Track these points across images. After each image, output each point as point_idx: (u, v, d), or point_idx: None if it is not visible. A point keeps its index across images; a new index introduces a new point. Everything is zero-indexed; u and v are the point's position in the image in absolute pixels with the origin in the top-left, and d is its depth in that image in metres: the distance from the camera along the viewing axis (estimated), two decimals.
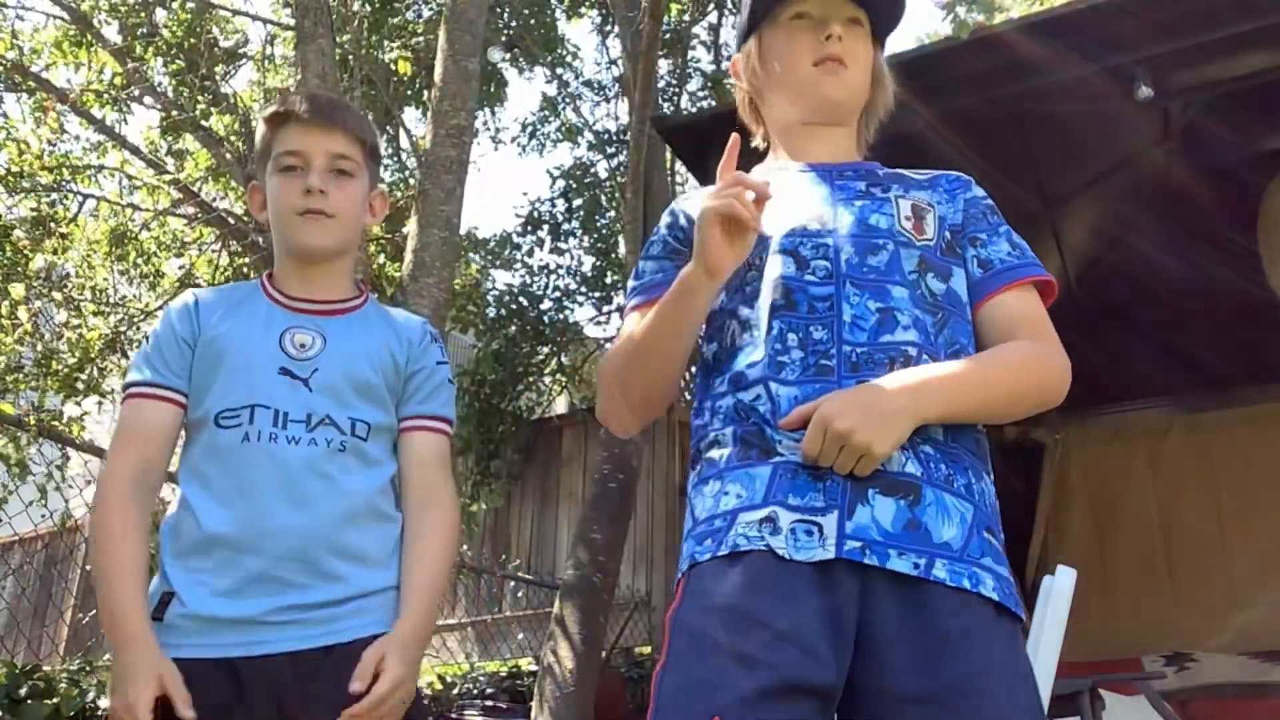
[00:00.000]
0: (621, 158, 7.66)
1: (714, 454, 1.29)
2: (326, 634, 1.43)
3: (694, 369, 1.49)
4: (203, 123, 6.61)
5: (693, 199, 1.47)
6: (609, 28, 8.06)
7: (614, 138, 8.08)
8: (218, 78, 6.78)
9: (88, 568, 5.28)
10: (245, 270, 6.49)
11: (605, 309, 7.55)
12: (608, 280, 7.71)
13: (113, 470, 1.48)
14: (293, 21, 4.89)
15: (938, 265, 1.35)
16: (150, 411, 1.51)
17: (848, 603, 1.15)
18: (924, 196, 1.41)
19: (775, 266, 1.31)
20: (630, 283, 1.47)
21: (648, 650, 5.59)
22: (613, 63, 8.39)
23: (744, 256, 1.26)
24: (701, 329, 1.39)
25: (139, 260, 7.10)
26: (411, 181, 6.54)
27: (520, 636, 5.99)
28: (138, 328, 6.87)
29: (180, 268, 7.24)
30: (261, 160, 1.62)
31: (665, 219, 1.48)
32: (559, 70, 8.39)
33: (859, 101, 1.45)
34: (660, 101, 7.29)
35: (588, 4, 8.19)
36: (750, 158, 1.44)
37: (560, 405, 8.08)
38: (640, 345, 1.34)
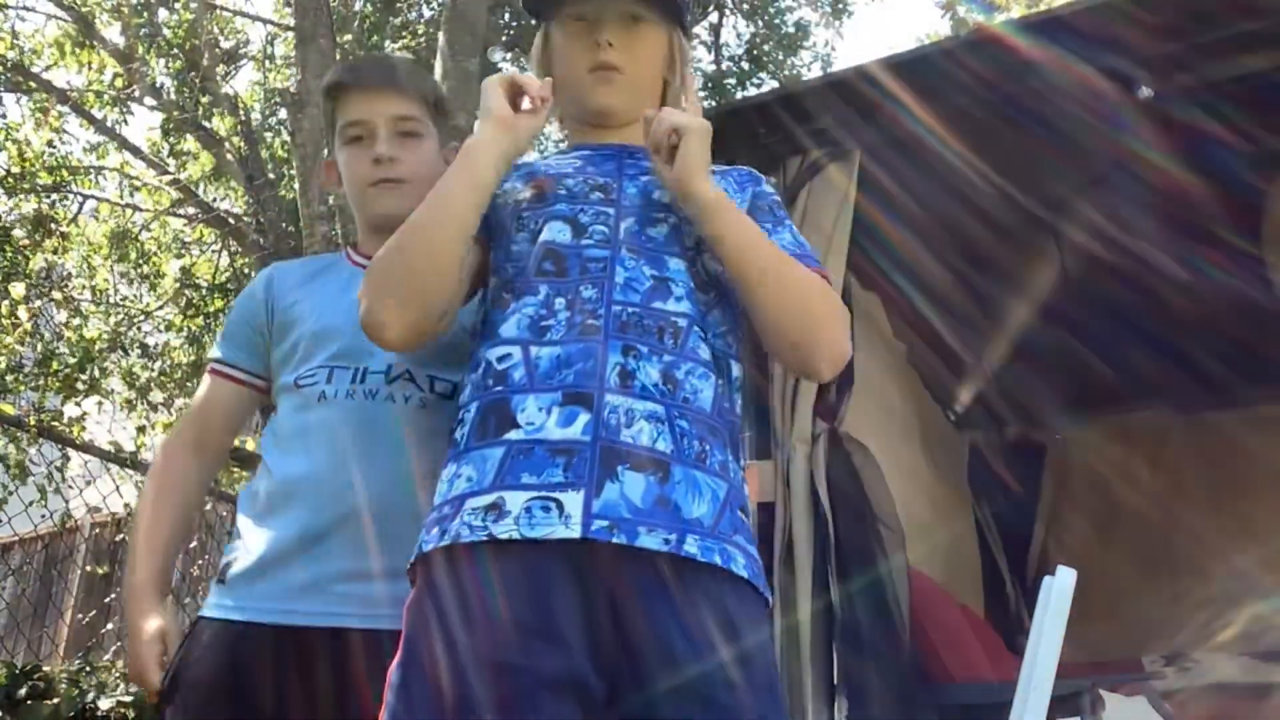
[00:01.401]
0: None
1: (456, 433, 1.24)
2: (384, 617, 1.34)
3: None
4: (203, 123, 6.61)
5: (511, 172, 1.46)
6: None
7: None
8: (218, 78, 6.78)
9: (88, 568, 5.29)
10: (246, 271, 6.50)
11: None
12: None
13: (171, 437, 1.57)
14: (293, 22, 4.89)
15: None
16: (213, 387, 1.57)
17: (598, 590, 1.10)
18: (714, 180, 1.36)
19: (550, 232, 1.29)
20: None
21: None
22: None
23: (534, 127, 1.29)
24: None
25: (139, 261, 7.11)
26: None
27: None
28: (138, 328, 6.87)
29: (180, 268, 7.24)
30: (330, 134, 1.62)
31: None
32: None
33: (640, 102, 1.39)
34: None
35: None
36: None
37: None
38: (417, 219, 1.25)
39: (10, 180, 6.46)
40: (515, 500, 1.12)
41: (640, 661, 1.09)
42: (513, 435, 1.16)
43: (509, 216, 1.35)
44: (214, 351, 1.59)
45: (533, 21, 1.46)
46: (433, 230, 1.25)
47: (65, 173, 6.77)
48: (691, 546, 1.12)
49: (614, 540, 1.10)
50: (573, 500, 1.11)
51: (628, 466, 1.13)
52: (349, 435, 1.42)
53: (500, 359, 1.22)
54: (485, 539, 1.11)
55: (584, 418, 1.15)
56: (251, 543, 1.41)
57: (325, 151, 1.67)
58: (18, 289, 6.24)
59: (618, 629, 1.10)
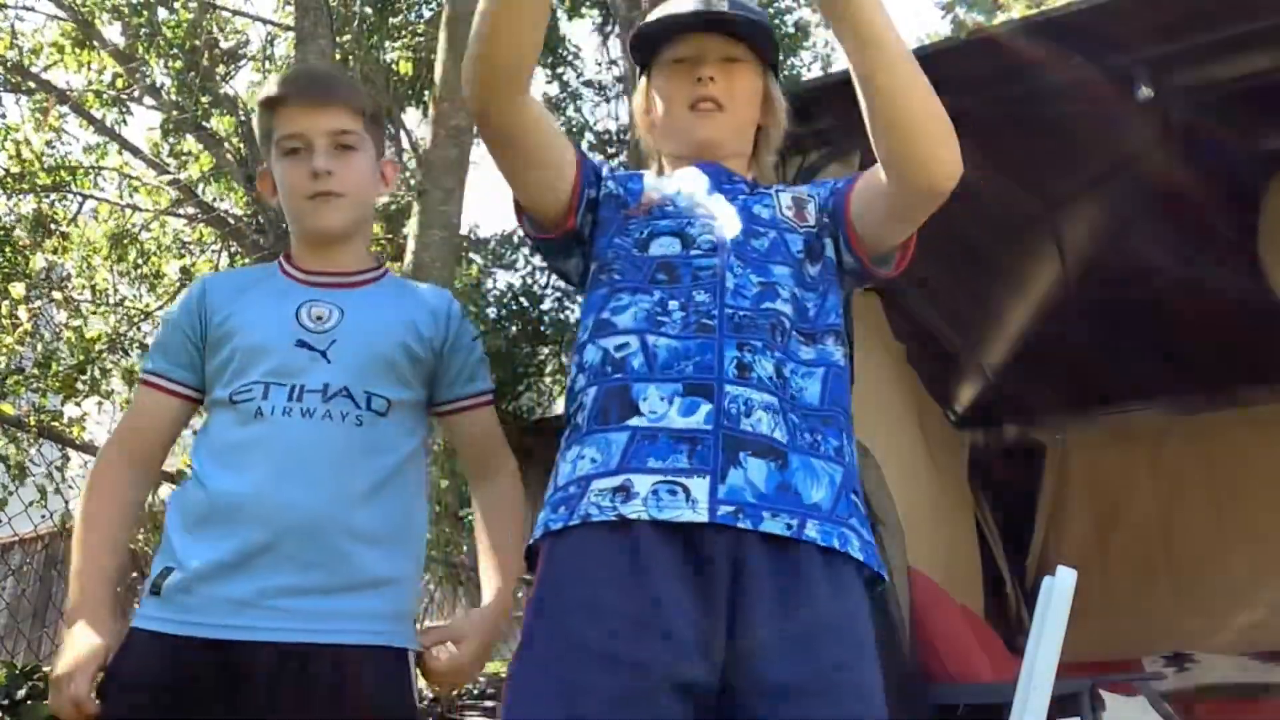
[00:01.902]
0: (622, 158, 7.66)
1: (578, 417, 1.30)
2: (323, 631, 1.40)
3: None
4: (203, 123, 6.61)
5: (614, 175, 1.47)
6: (609, 28, 8.06)
7: (615, 138, 8.09)
8: (218, 78, 6.78)
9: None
10: None
11: None
12: None
13: (106, 449, 1.55)
14: (293, 22, 4.89)
15: (815, 248, 1.39)
16: (148, 398, 1.55)
17: (718, 576, 1.15)
18: (803, 191, 1.46)
19: (659, 247, 1.35)
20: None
21: None
22: (613, 63, 8.39)
23: None
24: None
25: (139, 261, 7.10)
26: (412, 182, 6.54)
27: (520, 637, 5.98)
28: (138, 328, 6.87)
29: (180, 268, 7.24)
30: (264, 145, 1.61)
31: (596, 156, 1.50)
32: (560, 70, 8.39)
33: (740, 139, 1.49)
34: None
35: (588, 4, 8.19)
36: None
37: (561, 406, 8.07)
38: None
39: (10, 180, 6.46)
40: (643, 483, 1.18)
41: (754, 651, 1.13)
42: (636, 421, 1.22)
43: (617, 218, 1.41)
44: (147, 363, 1.58)
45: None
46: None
47: (65, 173, 6.77)
48: (812, 531, 1.18)
49: (739, 525, 1.15)
50: (699, 486, 1.17)
51: (749, 453, 1.19)
52: (288, 453, 1.43)
53: (619, 347, 1.28)
54: (614, 519, 1.17)
55: (705, 408, 1.21)
56: (187, 555, 1.41)
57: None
58: (18, 289, 6.24)
59: (734, 619, 1.14)
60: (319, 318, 1.53)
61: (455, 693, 4.76)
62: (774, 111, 1.52)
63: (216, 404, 1.50)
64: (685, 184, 1.45)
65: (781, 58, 8.70)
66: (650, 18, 1.51)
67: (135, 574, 3.81)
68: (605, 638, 1.12)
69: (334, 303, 1.55)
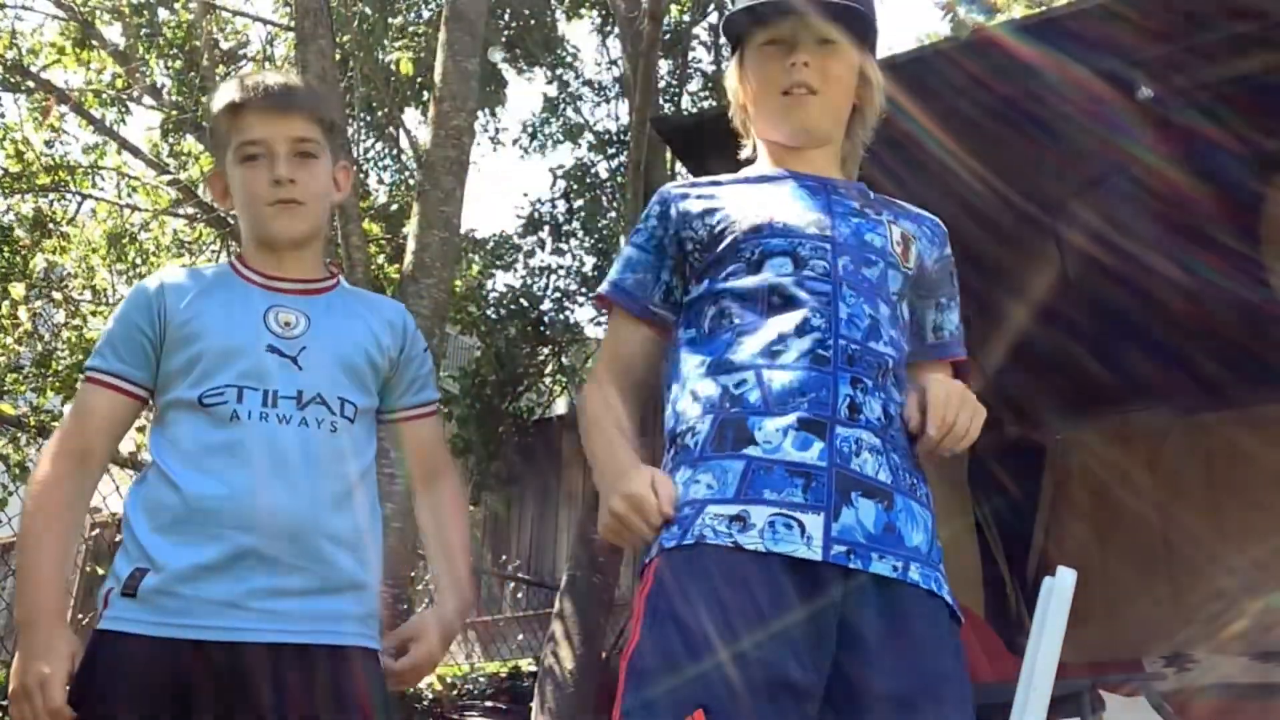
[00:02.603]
0: (622, 158, 7.65)
1: (689, 440, 1.30)
2: (306, 632, 1.41)
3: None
4: (203, 123, 6.61)
5: (690, 195, 1.48)
6: (609, 28, 8.06)
7: (615, 138, 8.08)
8: (218, 78, 6.78)
9: (88, 568, 5.29)
10: None
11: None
12: None
13: (55, 449, 1.49)
14: (293, 22, 4.89)
15: (906, 295, 1.40)
16: (98, 398, 1.51)
17: (829, 607, 1.18)
18: (910, 228, 1.45)
19: (772, 269, 1.34)
20: (616, 265, 1.48)
21: None
22: (613, 63, 8.38)
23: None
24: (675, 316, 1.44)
25: (138, 260, 7.11)
26: (411, 182, 6.54)
27: (520, 637, 6.00)
28: None
29: (180, 267, 7.23)
30: (219, 150, 1.60)
31: (655, 206, 1.48)
32: (559, 71, 8.39)
33: (834, 123, 1.47)
34: (661, 102, 7.29)
35: (588, 4, 8.19)
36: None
37: (560, 406, 8.07)
38: (585, 439, 1.40)
39: (9, 180, 6.46)
40: (759, 514, 1.20)
41: (862, 677, 1.18)
42: (751, 451, 1.24)
43: (724, 243, 1.39)
44: (95, 361, 1.53)
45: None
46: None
47: (64, 172, 6.77)
48: (915, 574, 1.23)
49: (851, 565, 1.19)
50: (813, 522, 1.20)
51: (860, 493, 1.23)
52: (266, 457, 1.44)
53: (738, 384, 1.29)
54: (730, 545, 1.19)
55: (819, 445, 1.23)
56: (164, 557, 1.40)
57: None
58: (18, 290, 6.24)
59: (840, 643, 1.19)
60: (287, 323, 1.53)
61: (455, 692, 4.76)
62: (870, 91, 1.49)
63: (179, 405, 1.48)
64: (791, 196, 1.42)
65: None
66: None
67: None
68: (730, 635, 1.14)
69: (299, 309, 1.56)
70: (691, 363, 1.35)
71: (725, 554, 1.19)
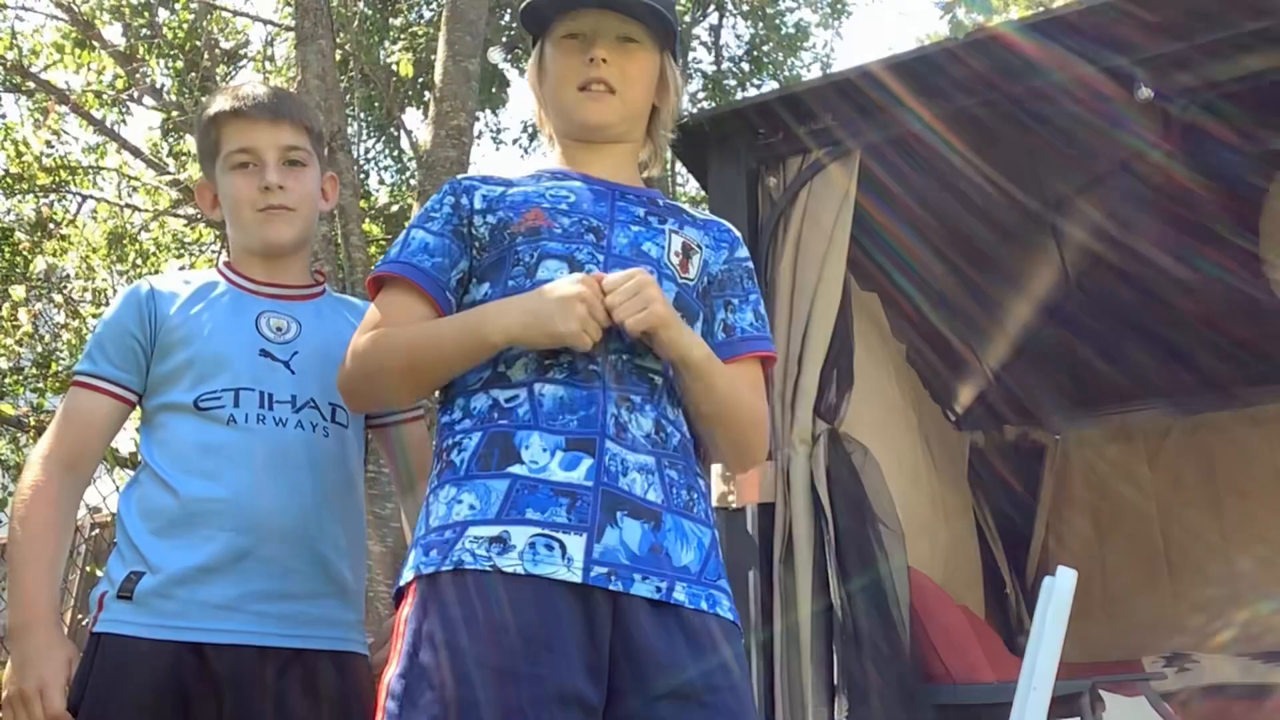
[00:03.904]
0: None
1: (455, 457, 1.26)
2: (306, 637, 1.42)
3: None
4: None
5: (490, 180, 1.44)
6: None
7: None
8: (218, 79, 6.78)
9: (87, 569, 5.29)
10: None
11: None
12: None
13: (45, 455, 1.48)
14: (293, 22, 4.89)
15: (689, 306, 1.36)
16: (89, 403, 1.50)
17: (601, 623, 1.17)
18: (695, 236, 1.42)
19: (547, 272, 1.31)
20: (404, 249, 1.38)
21: None
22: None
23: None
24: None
25: (138, 261, 7.11)
26: (412, 182, 6.54)
27: None
28: None
29: (179, 269, 7.24)
30: (208, 158, 1.61)
31: (449, 195, 1.42)
32: None
33: (630, 123, 1.45)
34: None
35: None
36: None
37: None
38: (419, 360, 1.31)
39: (9, 180, 6.46)
40: (520, 535, 1.17)
41: (638, 675, 1.17)
42: (517, 470, 1.21)
43: (504, 245, 1.35)
44: (85, 365, 1.53)
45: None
46: (429, 376, 1.33)
47: (64, 173, 6.77)
48: (680, 594, 1.21)
49: (610, 588, 1.17)
50: (575, 543, 1.17)
51: (626, 513, 1.20)
52: (264, 460, 1.44)
53: (509, 399, 1.26)
54: (489, 569, 1.16)
55: (587, 463, 1.21)
56: (160, 559, 1.40)
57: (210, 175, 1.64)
58: (18, 291, 6.24)
59: (615, 649, 1.17)
60: (278, 329, 1.54)
61: None
62: (668, 92, 1.47)
63: (174, 408, 1.48)
64: (576, 197, 1.39)
65: (781, 57, 8.66)
66: None
67: None
68: (495, 654, 1.11)
69: (289, 314, 1.57)
70: (473, 385, 1.30)
71: (485, 579, 1.15)
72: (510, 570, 1.15)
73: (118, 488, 4.60)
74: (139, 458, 1.54)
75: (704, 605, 1.22)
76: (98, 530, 5.58)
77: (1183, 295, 3.83)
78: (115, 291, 7.16)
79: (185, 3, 6.83)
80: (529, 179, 1.45)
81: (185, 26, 6.79)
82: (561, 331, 1.21)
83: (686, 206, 1.49)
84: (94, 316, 6.88)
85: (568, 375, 1.25)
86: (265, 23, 6.98)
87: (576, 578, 1.16)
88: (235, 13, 7.16)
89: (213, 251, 7.07)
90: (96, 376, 1.51)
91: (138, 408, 1.56)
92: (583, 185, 1.41)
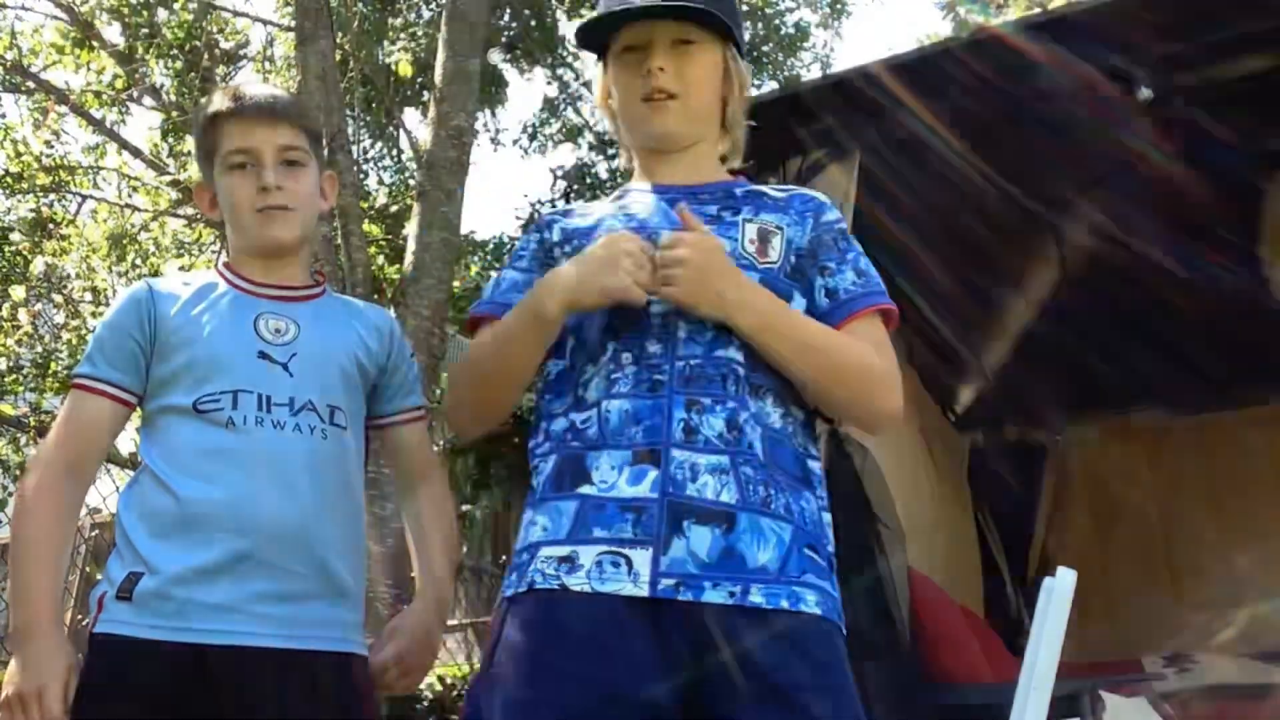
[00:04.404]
0: (621, 160, 7.65)
1: (535, 481, 1.31)
2: (307, 638, 1.42)
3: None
4: None
5: (571, 213, 1.48)
6: None
7: (614, 139, 8.08)
8: (218, 79, 6.78)
9: (87, 569, 5.29)
10: None
11: None
12: None
13: (47, 458, 1.48)
14: (293, 23, 4.89)
15: (778, 289, 1.35)
16: (90, 406, 1.50)
17: (675, 632, 1.17)
18: (773, 219, 1.41)
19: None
20: (496, 288, 1.45)
21: None
22: None
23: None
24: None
25: (138, 261, 7.11)
26: (411, 183, 6.53)
27: None
28: None
29: (179, 269, 7.24)
30: (206, 160, 1.61)
31: (534, 232, 1.48)
32: (559, 71, 8.39)
33: (699, 125, 1.45)
34: None
35: (588, 4, 8.19)
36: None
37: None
38: (497, 359, 1.36)
39: (9, 180, 6.45)
40: (588, 554, 1.20)
41: (717, 680, 1.16)
42: (586, 490, 1.24)
43: None
44: (86, 368, 1.52)
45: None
46: (508, 382, 1.37)
47: (64, 172, 6.77)
48: (757, 596, 1.19)
49: (680, 598, 1.17)
50: (641, 557, 1.18)
51: (694, 521, 1.20)
52: (264, 463, 1.44)
53: (583, 421, 1.29)
54: (558, 587, 1.19)
55: (652, 474, 1.22)
56: (160, 561, 1.40)
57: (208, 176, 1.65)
58: (18, 292, 6.23)
59: (694, 656, 1.16)
60: (277, 330, 1.54)
61: (455, 692, 4.75)
62: (735, 84, 1.46)
63: (173, 410, 1.48)
64: (642, 213, 1.40)
65: (781, 57, 8.66)
66: (599, 7, 1.46)
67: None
68: (557, 658, 1.16)
69: (288, 316, 1.56)
70: (550, 397, 1.35)
71: (553, 596, 1.19)
72: (578, 589, 1.18)
73: (118, 488, 4.59)
74: (139, 459, 1.54)
75: (784, 604, 1.20)
76: (98, 530, 5.58)
77: (1183, 295, 3.83)
78: (115, 292, 7.16)
79: (184, 2, 6.83)
80: (608, 202, 1.49)
81: (185, 26, 6.79)
82: (609, 285, 1.24)
83: (769, 188, 1.48)
84: (94, 316, 6.89)
85: (633, 387, 1.27)
86: (265, 23, 6.98)
87: (644, 592, 1.17)
88: (235, 13, 7.16)
89: (213, 252, 7.07)
90: (97, 379, 1.51)
91: (138, 409, 1.56)
92: (653, 197, 1.43)
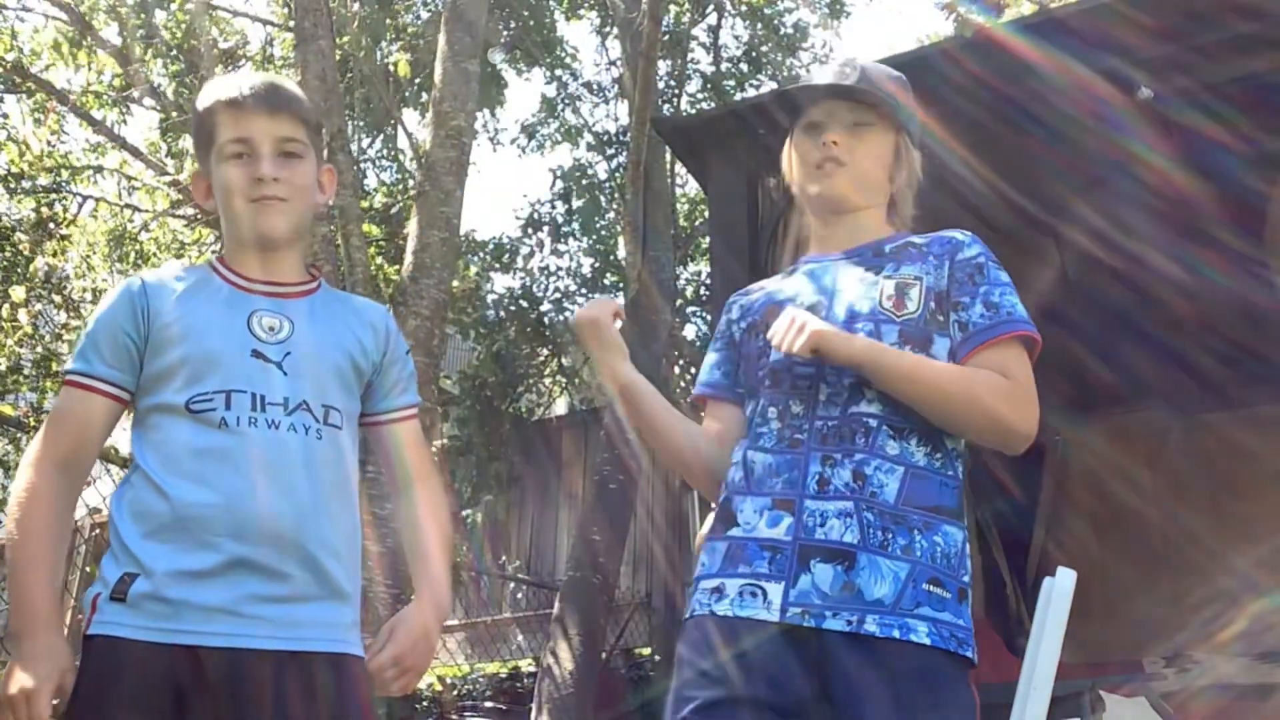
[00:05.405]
0: (621, 159, 7.66)
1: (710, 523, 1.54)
2: (304, 639, 1.41)
3: None
4: None
5: (749, 292, 1.69)
6: (608, 29, 8.06)
7: (613, 139, 8.08)
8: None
9: (87, 569, 5.29)
10: None
11: None
12: (607, 281, 7.71)
13: (40, 456, 1.46)
14: (292, 23, 4.89)
15: (917, 336, 1.48)
16: (82, 403, 1.48)
17: (806, 652, 1.36)
18: (913, 271, 1.54)
19: (772, 353, 1.51)
20: (702, 372, 1.70)
21: (647, 651, 5.59)
22: (612, 64, 8.39)
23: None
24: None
25: (138, 261, 7.10)
26: (411, 183, 6.54)
27: (519, 638, 6.00)
28: None
29: (161, 268, 7.23)
30: (203, 149, 1.58)
31: (723, 314, 1.71)
32: (558, 72, 8.39)
33: (865, 192, 1.60)
34: (659, 103, 7.29)
35: (587, 5, 8.19)
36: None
37: (560, 407, 8.07)
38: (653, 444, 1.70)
39: (9, 180, 6.45)
40: (732, 585, 1.43)
41: (838, 697, 1.35)
42: (734, 532, 1.47)
43: (747, 339, 1.62)
44: (79, 364, 1.50)
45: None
46: (664, 452, 1.71)
47: (64, 173, 6.76)
48: (871, 625, 1.36)
49: (805, 624, 1.36)
50: (774, 590, 1.40)
51: (819, 559, 1.39)
52: (258, 464, 1.43)
53: (734, 469, 1.52)
54: (707, 613, 1.44)
55: (787, 521, 1.42)
56: (155, 562, 1.39)
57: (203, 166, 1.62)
58: (18, 292, 6.23)
59: (820, 674, 1.36)
60: (271, 328, 1.52)
61: (455, 693, 4.75)
62: (904, 167, 1.62)
63: (165, 409, 1.47)
64: (796, 285, 1.60)
65: (780, 57, 8.67)
66: (795, 85, 1.68)
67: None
68: (709, 664, 1.40)
69: (282, 313, 1.54)
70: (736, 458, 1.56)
71: (704, 619, 1.44)
72: (723, 614, 1.42)
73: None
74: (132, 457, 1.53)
75: (896, 634, 1.35)
76: (98, 531, 5.58)
77: (1182, 297, 3.83)
78: None
79: (183, 2, 6.83)
80: (783, 274, 1.68)
81: (184, 26, 6.79)
82: (587, 351, 1.60)
83: (916, 238, 1.60)
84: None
85: (775, 443, 1.47)
86: (265, 23, 6.99)
87: (774, 617, 1.38)
88: (235, 13, 7.17)
89: (212, 252, 7.07)
90: (89, 376, 1.49)
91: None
92: (812, 265, 1.61)
